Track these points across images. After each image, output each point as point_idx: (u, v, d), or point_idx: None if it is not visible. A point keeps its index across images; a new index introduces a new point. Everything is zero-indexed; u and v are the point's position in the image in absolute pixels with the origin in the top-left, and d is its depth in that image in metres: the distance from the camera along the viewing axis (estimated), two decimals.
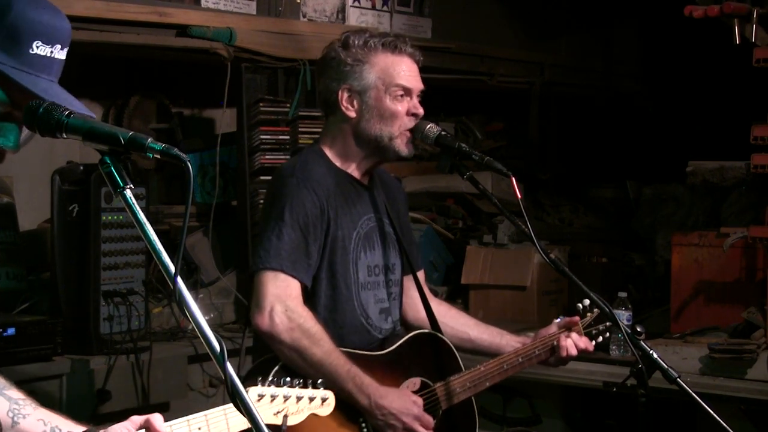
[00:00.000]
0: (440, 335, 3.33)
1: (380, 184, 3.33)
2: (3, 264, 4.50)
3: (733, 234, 4.56)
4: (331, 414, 2.96)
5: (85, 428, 2.24)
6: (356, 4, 5.68)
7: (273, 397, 2.33)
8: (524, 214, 3.04)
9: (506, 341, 3.41)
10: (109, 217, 4.36)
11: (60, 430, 2.24)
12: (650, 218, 5.98)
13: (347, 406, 3.00)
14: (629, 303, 4.42)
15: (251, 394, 2.29)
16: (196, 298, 4.14)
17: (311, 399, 2.40)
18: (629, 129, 7.37)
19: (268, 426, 2.25)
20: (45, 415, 2.26)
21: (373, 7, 5.78)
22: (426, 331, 3.33)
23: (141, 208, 1.91)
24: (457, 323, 3.47)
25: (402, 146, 3.18)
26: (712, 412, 2.83)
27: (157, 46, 4.77)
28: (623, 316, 4.28)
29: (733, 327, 4.54)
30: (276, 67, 5.18)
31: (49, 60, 2.12)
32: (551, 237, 5.79)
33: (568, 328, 3.38)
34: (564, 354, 3.33)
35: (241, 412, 1.85)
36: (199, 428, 2.18)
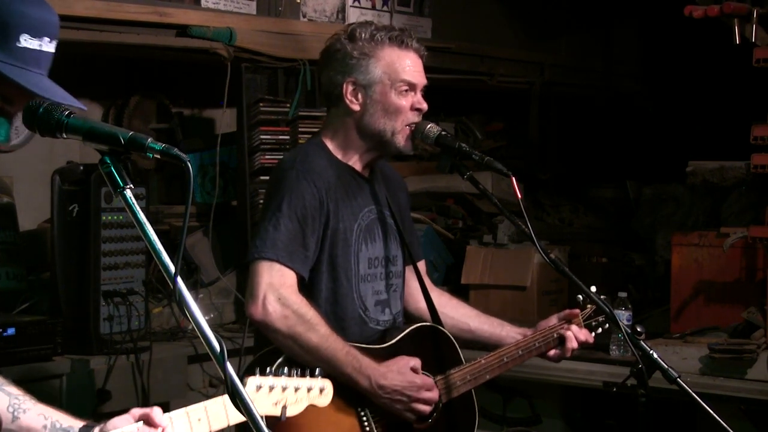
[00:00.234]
0: (441, 328, 3.33)
1: (381, 176, 3.33)
2: (3, 264, 4.50)
3: (733, 234, 4.56)
4: (330, 405, 2.98)
5: (85, 422, 2.24)
6: (356, 4, 5.69)
7: (271, 388, 2.32)
8: (524, 214, 3.04)
9: (507, 332, 3.41)
10: (109, 217, 4.36)
11: (60, 424, 2.24)
12: (650, 218, 5.98)
13: (345, 394, 3.00)
14: (629, 303, 4.43)
15: (249, 385, 2.28)
16: (196, 298, 4.14)
17: (309, 389, 2.40)
18: (629, 129, 7.37)
19: (267, 417, 2.26)
20: (45, 410, 2.27)
21: (373, 7, 5.78)
22: (427, 324, 3.33)
23: (141, 208, 1.91)
24: (457, 314, 3.47)
25: (402, 142, 3.18)
26: (712, 412, 2.83)
27: (157, 46, 4.77)
28: (623, 316, 4.29)
29: (733, 327, 4.54)
30: (276, 67, 5.18)
31: (38, 53, 2.11)
32: (551, 237, 5.79)
33: (567, 321, 3.38)
34: (568, 346, 3.33)
35: (241, 412, 1.85)
36: (199, 419, 2.18)
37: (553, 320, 3.40)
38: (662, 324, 4.89)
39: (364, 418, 3.07)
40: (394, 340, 3.19)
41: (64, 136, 1.97)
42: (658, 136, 7.23)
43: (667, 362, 2.94)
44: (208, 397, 4.82)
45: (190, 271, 5.17)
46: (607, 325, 3.48)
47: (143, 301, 4.50)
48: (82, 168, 4.38)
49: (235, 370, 1.86)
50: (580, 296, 3.39)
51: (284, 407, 2.34)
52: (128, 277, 4.46)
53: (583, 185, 6.81)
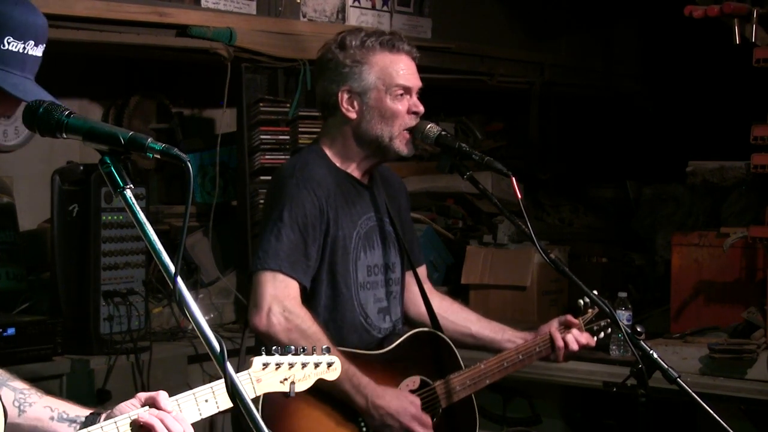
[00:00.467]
0: (440, 333, 3.33)
1: (381, 182, 3.32)
2: (3, 264, 4.50)
3: (733, 234, 4.56)
4: (330, 413, 2.98)
5: (91, 411, 2.24)
6: (356, 4, 5.68)
7: (278, 365, 2.31)
8: (524, 214, 3.03)
9: (507, 337, 3.41)
10: (109, 217, 4.37)
11: (67, 414, 2.25)
12: (650, 218, 5.98)
13: (346, 405, 3.00)
14: (629, 303, 4.42)
15: (255, 364, 2.28)
16: (196, 298, 4.14)
17: (317, 365, 2.38)
18: (629, 129, 7.37)
19: (276, 394, 2.24)
20: (51, 402, 2.27)
21: (373, 7, 5.78)
22: (425, 329, 3.33)
23: (141, 208, 1.91)
24: (458, 318, 3.46)
25: (402, 146, 3.17)
26: (712, 412, 2.83)
27: (157, 46, 4.77)
28: (623, 316, 4.28)
29: (733, 327, 4.54)
30: (276, 67, 5.18)
31: (22, 56, 2.10)
32: (551, 237, 5.79)
33: (567, 327, 3.38)
34: (573, 347, 3.33)
35: (241, 412, 1.85)
36: (206, 400, 2.18)
37: (554, 324, 3.40)
38: (662, 324, 4.89)
39: (364, 429, 3.07)
40: (391, 346, 3.19)
41: (64, 136, 1.96)
42: (658, 136, 7.23)
43: (667, 362, 2.93)
44: None
45: (190, 271, 5.17)
46: (609, 330, 3.48)
47: (143, 301, 4.50)
48: (82, 168, 4.38)
49: (235, 370, 1.86)
50: (581, 301, 3.40)
51: (292, 383, 2.33)
52: (128, 277, 4.46)
53: (583, 185, 6.81)
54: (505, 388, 4.90)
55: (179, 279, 1.84)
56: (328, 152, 3.20)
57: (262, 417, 1.92)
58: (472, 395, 3.29)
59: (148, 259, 4.51)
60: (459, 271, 5.47)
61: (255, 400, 2.18)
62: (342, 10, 5.63)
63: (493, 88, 6.54)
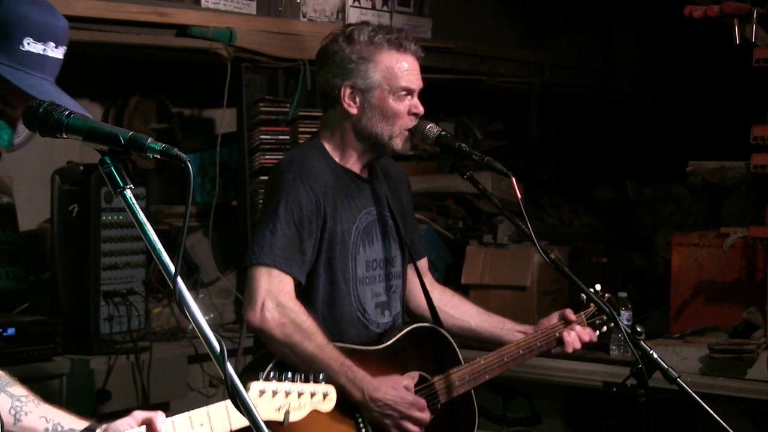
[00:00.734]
0: (439, 328, 3.33)
1: (382, 175, 3.32)
2: (3, 264, 4.50)
3: (733, 234, 4.56)
4: None
5: (87, 424, 2.24)
6: (356, 4, 5.68)
7: (274, 393, 2.32)
8: (524, 214, 3.03)
9: (508, 330, 3.41)
10: (109, 217, 4.37)
11: (62, 426, 2.24)
12: (650, 218, 5.99)
13: (343, 400, 3.00)
14: (629, 303, 4.42)
15: (252, 390, 2.28)
16: (196, 298, 4.14)
17: (313, 394, 2.40)
18: (629, 129, 7.38)
19: (270, 422, 2.25)
20: (47, 412, 2.26)
21: (373, 7, 5.78)
22: (425, 324, 3.33)
23: (141, 208, 1.90)
24: (458, 312, 3.46)
25: (399, 144, 3.18)
26: (712, 412, 2.83)
27: (157, 46, 4.77)
28: (623, 316, 4.28)
29: (733, 327, 4.54)
30: (276, 67, 5.18)
31: (41, 57, 2.10)
32: (551, 237, 5.79)
33: (568, 322, 3.37)
34: (569, 350, 3.33)
35: (241, 412, 1.85)
36: (201, 424, 2.18)
37: (555, 318, 3.39)
38: (662, 324, 4.89)
39: (361, 424, 3.07)
40: (390, 341, 3.19)
41: (64, 136, 1.96)
42: (658, 136, 7.23)
43: (667, 362, 2.93)
44: (208, 397, 4.86)
45: (190, 271, 5.17)
46: (612, 324, 3.47)
47: (143, 301, 4.50)
48: (82, 168, 4.38)
49: (234, 370, 1.86)
50: (584, 295, 3.38)
51: (287, 412, 2.34)
52: (128, 277, 4.46)
53: (583, 185, 6.81)
54: (505, 388, 4.91)
55: (179, 279, 1.84)
56: (327, 146, 3.20)
57: None
58: (472, 391, 3.28)
59: (148, 259, 4.51)
60: (459, 271, 5.47)
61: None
62: (342, 10, 5.62)
63: (493, 88, 6.54)
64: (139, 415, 2.16)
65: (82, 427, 2.23)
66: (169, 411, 2.23)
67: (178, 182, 5.51)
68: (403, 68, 3.15)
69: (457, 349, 3.33)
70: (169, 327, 4.90)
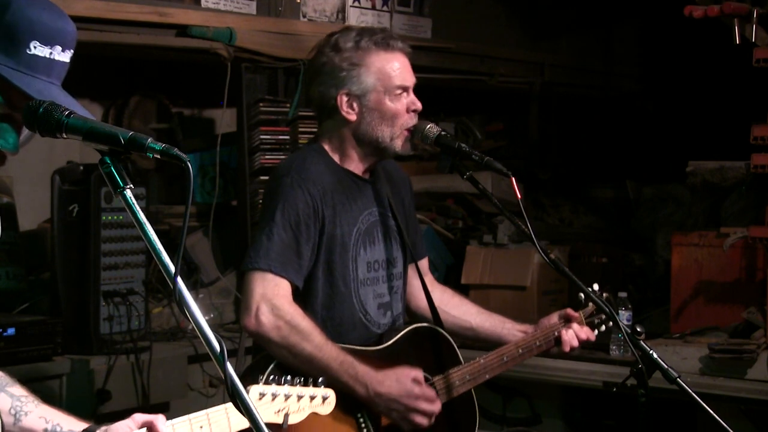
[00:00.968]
0: (439, 329, 3.33)
1: (384, 176, 3.31)
2: (3, 264, 4.50)
3: (733, 234, 4.56)
4: None
5: (86, 425, 2.24)
6: (356, 4, 5.68)
7: (274, 396, 2.33)
8: (524, 214, 3.03)
9: (508, 330, 3.40)
10: (109, 217, 4.37)
11: (61, 427, 2.24)
12: (650, 218, 5.99)
13: (343, 400, 2.99)
14: (629, 303, 4.42)
15: (252, 394, 2.29)
16: (196, 298, 4.14)
17: (312, 398, 2.40)
18: (629, 129, 7.38)
19: (269, 425, 2.25)
20: (47, 413, 2.26)
21: (373, 7, 5.78)
22: (425, 324, 3.33)
23: (141, 208, 1.90)
24: (459, 311, 3.46)
25: (399, 145, 3.17)
26: (712, 412, 2.83)
27: (157, 46, 4.77)
28: (623, 316, 4.28)
29: (733, 327, 4.54)
30: (276, 67, 5.18)
31: (48, 61, 2.09)
32: (551, 237, 5.79)
33: (568, 320, 3.38)
34: (567, 348, 3.33)
35: (241, 412, 1.85)
36: (201, 427, 2.18)
37: (554, 318, 3.39)
38: (662, 324, 4.89)
39: (362, 422, 3.07)
40: (390, 342, 3.18)
41: (64, 136, 1.96)
42: (658, 136, 7.23)
43: (667, 362, 2.93)
44: (208, 397, 4.86)
45: (190, 271, 5.18)
46: (610, 323, 3.47)
47: (143, 301, 4.50)
48: (82, 168, 4.38)
49: (234, 370, 1.86)
50: (582, 294, 3.38)
51: (286, 415, 2.35)
52: (128, 277, 4.46)
53: (583, 185, 6.81)
54: (505, 388, 4.91)
55: (179, 279, 1.84)
56: (327, 149, 3.20)
57: None
58: (472, 390, 3.28)
59: (148, 259, 4.51)
60: (459, 271, 5.47)
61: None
62: (342, 10, 5.63)
63: (493, 88, 6.54)
64: (140, 417, 2.16)
65: (81, 429, 2.23)
66: (169, 411, 2.23)
67: (178, 182, 5.51)
68: (394, 67, 3.15)
69: (456, 348, 3.33)
70: (169, 327, 4.90)
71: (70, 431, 2.23)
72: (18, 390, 2.27)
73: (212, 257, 5.26)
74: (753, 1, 4.38)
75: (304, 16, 5.44)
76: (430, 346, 3.28)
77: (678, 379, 2.89)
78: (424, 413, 3.05)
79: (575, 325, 3.35)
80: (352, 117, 3.14)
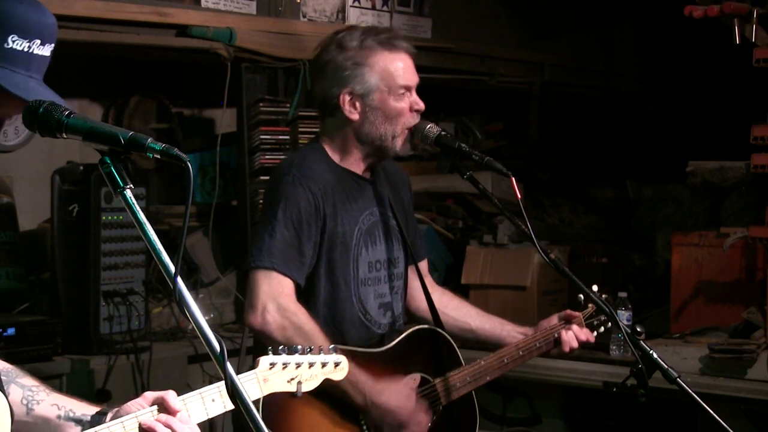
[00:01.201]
0: (440, 330, 3.33)
1: (384, 175, 3.32)
2: (3, 264, 4.50)
3: (733, 234, 4.56)
4: (331, 412, 2.98)
5: (99, 409, 2.24)
6: (356, 4, 5.68)
7: (285, 365, 2.30)
8: (524, 214, 3.03)
9: (508, 332, 3.41)
10: (109, 217, 4.37)
11: (74, 413, 2.24)
12: (650, 218, 5.99)
13: (346, 404, 3.00)
14: (629, 303, 4.42)
15: (262, 363, 2.27)
16: (196, 298, 4.14)
17: (324, 364, 2.38)
18: (629, 129, 7.37)
19: (283, 394, 2.24)
20: (59, 400, 2.26)
21: (373, 7, 5.78)
22: (426, 326, 3.33)
23: (141, 208, 1.91)
24: (458, 313, 3.47)
25: (400, 145, 3.18)
26: (712, 412, 2.83)
27: (157, 46, 4.77)
28: (623, 316, 4.28)
29: (733, 327, 4.54)
30: (276, 67, 5.18)
31: (27, 55, 2.08)
32: (551, 237, 5.79)
33: (567, 321, 3.38)
34: (566, 349, 3.33)
35: (242, 412, 1.85)
36: (213, 400, 2.18)
37: (554, 320, 3.40)
38: (662, 324, 4.89)
39: (365, 427, 3.07)
40: (392, 344, 3.19)
41: (64, 136, 1.96)
42: (658, 136, 7.23)
43: (667, 362, 2.93)
44: None
45: (190, 271, 5.18)
46: (609, 325, 3.47)
47: (143, 301, 4.50)
48: (82, 168, 4.38)
49: (235, 370, 1.86)
50: (581, 296, 3.39)
51: (299, 383, 2.32)
52: (128, 277, 4.46)
53: (583, 185, 6.81)
54: (505, 388, 4.91)
55: (179, 279, 1.84)
56: (327, 149, 3.20)
57: (263, 416, 1.91)
58: (473, 392, 3.29)
59: (148, 259, 4.51)
60: (459, 271, 5.47)
61: (256, 400, 2.18)
62: (342, 10, 5.63)
63: (493, 88, 6.54)
64: (150, 395, 2.16)
65: (94, 412, 2.23)
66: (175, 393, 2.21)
67: (178, 182, 5.51)
68: (398, 67, 3.15)
69: (458, 350, 3.33)
70: (169, 327, 4.90)
71: (84, 415, 2.23)
72: (29, 381, 2.28)
73: (212, 257, 5.26)
74: (753, 1, 4.38)
75: (304, 16, 5.44)
76: (431, 347, 3.28)
77: (678, 379, 2.89)
78: (417, 425, 3.06)
79: (575, 327, 3.35)
80: (355, 116, 3.14)
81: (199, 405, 2.17)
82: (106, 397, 4.28)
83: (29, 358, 4.06)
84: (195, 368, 4.79)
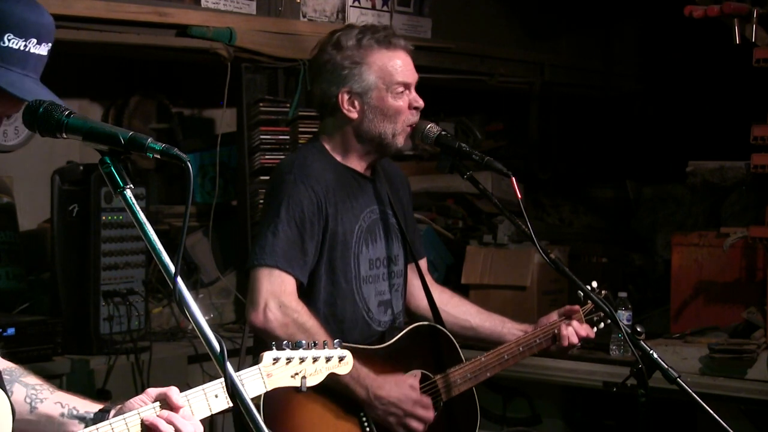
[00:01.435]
0: (440, 327, 3.33)
1: (383, 174, 3.33)
2: (3, 264, 4.50)
3: (733, 234, 4.56)
4: (331, 407, 2.98)
5: (102, 406, 2.24)
6: (356, 4, 5.68)
7: (289, 360, 2.29)
8: (524, 214, 3.04)
9: (508, 329, 3.41)
10: (109, 217, 4.37)
11: (77, 410, 2.24)
12: (650, 218, 5.99)
13: (347, 399, 3.01)
14: (629, 303, 4.43)
15: (266, 359, 2.27)
16: (196, 298, 4.14)
17: (328, 359, 2.37)
18: (629, 129, 7.37)
19: (288, 389, 2.23)
20: (62, 398, 2.27)
21: (373, 7, 5.78)
22: (426, 323, 3.34)
23: (141, 208, 1.91)
24: (458, 311, 3.47)
25: (401, 141, 3.18)
26: (712, 412, 2.83)
27: (157, 46, 4.77)
28: (623, 316, 4.28)
29: (733, 327, 4.54)
30: (276, 67, 5.18)
31: (23, 54, 2.08)
32: (551, 237, 5.79)
33: (568, 316, 3.38)
34: (565, 343, 3.32)
35: (242, 412, 1.85)
36: (216, 395, 2.18)
37: (554, 316, 3.40)
38: (662, 324, 4.89)
39: (365, 423, 3.07)
40: (392, 340, 3.20)
41: (64, 136, 1.96)
42: (658, 136, 7.23)
43: (667, 362, 2.93)
44: None
45: (190, 271, 5.17)
46: (609, 321, 3.47)
47: (143, 301, 4.50)
48: (82, 168, 4.38)
49: (235, 370, 1.86)
50: (581, 292, 3.38)
51: (303, 378, 2.32)
52: (128, 277, 4.46)
53: (583, 185, 6.81)
54: (505, 388, 4.91)
55: (179, 279, 1.84)
56: (328, 147, 3.21)
57: (264, 412, 1.92)
58: (474, 389, 3.29)
59: (148, 259, 4.51)
60: (459, 271, 5.47)
61: (258, 396, 2.18)
62: (342, 10, 5.63)
63: (493, 88, 6.54)
64: (153, 391, 2.16)
65: (97, 409, 2.24)
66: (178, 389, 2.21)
67: (178, 182, 5.51)
68: (396, 65, 3.16)
69: (458, 347, 3.33)
70: (169, 327, 4.90)
71: (87, 412, 2.24)
72: (32, 379, 2.28)
73: (212, 257, 5.26)
74: (753, 1, 4.38)
75: (304, 16, 5.44)
76: (432, 344, 3.29)
77: (678, 379, 2.90)
78: (419, 419, 3.07)
79: (575, 323, 3.35)
80: (354, 115, 3.15)
81: (202, 401, 2.17)
82: (106, 397, 4.28)
83: (29, 358, 4.06)
84: (195, 368, 4.79)
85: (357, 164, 3.22)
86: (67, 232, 4.36)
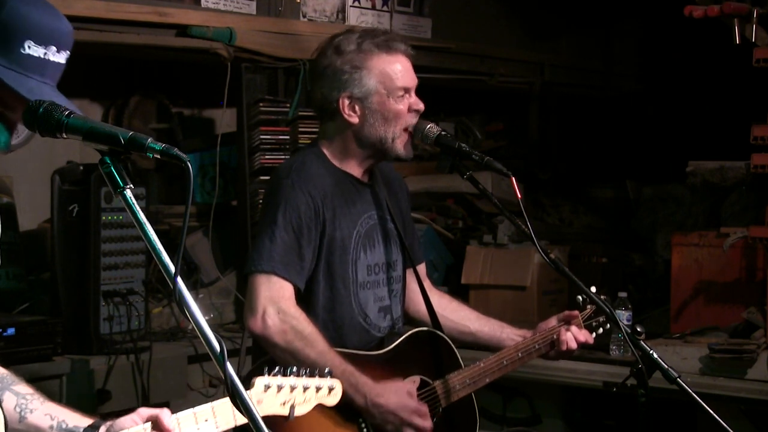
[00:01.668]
0: (439, 332, 3.33)
1: (381, 179, 3.32)
2: (3, 264, 4.50)
3: (733, 234, 4.56)
4: (330, 413, 2.98)
5: (91, 421, 2.24)
6: (356, 4, 5.68)
7: (279, 388, 2.31)
8: (524, 214, 3.03)
9: (507, 334, 3.41)
10: (109, 217, 4.37)
11: (66, 424, 2.24)
12: (650, 218, 5.99)
13: (346, 406, 3.00)
14: (629, 303, 4.42)
15: (257, 385, 2.27)
16: (196, 298, 4.14)
17: (318, 389, 2.38)
18: (629, 129, 7.38)
19: (276, 417, 2.25)
20: (52, 410, 2.26)
21: (373, 7, 5.78)
22: (425, 328, 3.33)
23: (141, 208, 1.91)
24: (457, 316, 3.47)
25: (401, 147, 3.17)
26: (712, 412, 2.83)
27: (157, 46, 4.77)
28: (623, 316, 4.28)
29: (733, 327, 4.54)
30: (276, 67, 5.18)
31: (42, 61, 2.09)
32: (551, 237, 5.79)
33: (567, 322, 3.38)
34: (564, 348, 3.32)
35: (241, 412, 1.85)
36: (206, 420, 2.18)
37: (553, 321, 3.39)
38: (662, 324, 4.89)
39: (364, 428, 3.07)
40: (391, 346, 3.19)
41: (64, 136, 1.96)
42: (658, 136, 7.23)
43: (667, 362, 2.93)
44: (208, 397, 4.86)
45: (190, 271, 5.17)
46: (608, 326, 3.47)
47: (143, 301, 4.50)
48: (82, 168, 4.38)
49: (235, 370, 1.86)
50: (580, 297, 3.38)
51: (292, 407, 2.33)
52: (128, 277, 4.46)
53: (583, 185, 6.81)
54: (505, 388, 4.91)
55: (179, 279, 1.84)
56: (326, 152, 3.20)
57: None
58: (473, 394, 3.29)
59: (148, 259, 4.51)
60: (459, 271, 5.47)
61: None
62: (342, 10, 5.63)
63: (493, 88, 6.54)
64: (144, 412, 2.16)
65: (86, 425, 2.23)
66: (170, 411, 2.21)
67: (178, 182, 5.51)
68: (396, 69, 3.15)
69: (457, 352, 3.33)
70: (169, 327, 4.90)
71: (76, 426, 2.23)
72: (23, 388, 2.27)
73: (212, 257, 5.26)
74: (753, 1, 4.38)
75: (304, 16, 5.44)
76: (431, 350, 3.28)
77: (678, 379, 2.90)
78: (417, 428, 3.06)
79: (574, 328, 3.34)
80: (354, 120, 3.14)
81: (191, 424, 2.17)
82: (106, 397, 4.28)
83: (29, 358, 4.06)
84: (195, 368, 4.79)
85: (355, 169, 3.21)
86: (67, 232, 4.36)
